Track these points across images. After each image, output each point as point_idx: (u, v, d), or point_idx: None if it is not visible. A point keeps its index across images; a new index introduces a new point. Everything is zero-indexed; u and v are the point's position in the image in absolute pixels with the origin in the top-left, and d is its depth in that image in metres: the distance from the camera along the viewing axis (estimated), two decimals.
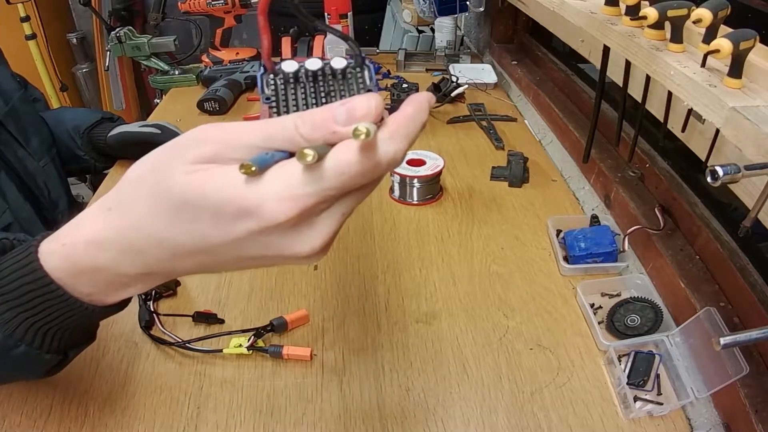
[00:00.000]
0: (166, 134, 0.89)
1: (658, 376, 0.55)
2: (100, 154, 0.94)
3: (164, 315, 0.63)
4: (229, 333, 0.60)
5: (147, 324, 0.61)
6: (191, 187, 0.27)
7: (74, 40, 2.59)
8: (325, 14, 1.41)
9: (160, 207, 0.28)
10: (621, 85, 0.68)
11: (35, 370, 0.40)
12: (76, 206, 0.91)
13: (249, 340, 0.58)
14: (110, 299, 0.36)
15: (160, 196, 0.28)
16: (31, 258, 0.33)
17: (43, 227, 0.78)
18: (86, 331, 0.41)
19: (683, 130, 0.61)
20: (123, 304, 0.38)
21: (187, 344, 0.58)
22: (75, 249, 0.32)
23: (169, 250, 0.30)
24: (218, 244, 0.28)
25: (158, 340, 0.59)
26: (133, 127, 0.90)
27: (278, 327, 0.60)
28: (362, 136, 0.24)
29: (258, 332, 0.59)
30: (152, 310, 0.62)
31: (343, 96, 0.31)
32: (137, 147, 0.92)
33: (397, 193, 0.85)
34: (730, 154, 0.54)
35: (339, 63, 0.31)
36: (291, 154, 0.27)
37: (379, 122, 0.27)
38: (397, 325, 0.62)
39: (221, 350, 0.58)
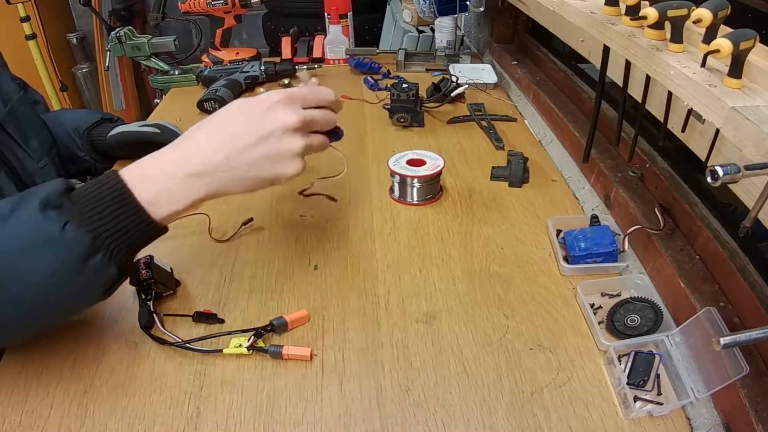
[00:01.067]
0: (166, 133, 0.89)
1: (658, 376, 0.55)
2: (100, 155, 0.94)
3: (164, 315, 0.63)
4: (229, 333, 0.60)
5: (147, 324, 0.61)
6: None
7: (74, 40, 2.59)
8: (326, 14, 1.41)
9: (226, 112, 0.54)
10: (621, 85, 0.68)
11: (96, 288, 0.48)
12: None
13: (249, 340, 0.58)
14: (163, 210, 0.49)
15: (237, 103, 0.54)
16: (112, 174, 0.48)
17: None
18: (133, 257, 0.52)
19: (683, 130, 0.61)
20: (166, 229, 0.52)
21: (187, 344, 0.58)
22: (146, 160, 0.50)
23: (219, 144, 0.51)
24: (252, 137, 0.51)
25: (158, 340, 0.59)
26: (133, 127, 0.90)
27: (278, 327, 0.60)
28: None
29: (258, 332, 0.59)
30: (152, 310, 0.62)
31: None
32: (137, 146, 0.92)
33: (397, 193, 0.85)
34: (730, 154, 0.54)
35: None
36: None
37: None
38: (397, 325, 0.62)
39: (221, 350, 0.58)
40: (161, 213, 0.49)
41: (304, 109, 0.55)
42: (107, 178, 0.48)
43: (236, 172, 0.51)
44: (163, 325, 0.61)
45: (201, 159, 0.50)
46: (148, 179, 0.49)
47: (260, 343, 0.58)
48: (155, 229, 0.50)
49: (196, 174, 0.50)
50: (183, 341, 0.58)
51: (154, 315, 0.62)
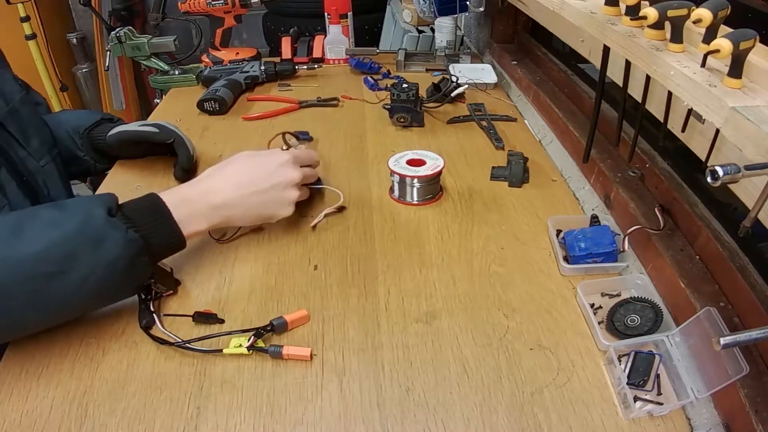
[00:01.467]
0: (164, 133, 0.89)
1: (658, 376, 0.55)
2: (100, 155, 0.94)
3: (164, 315, 0.63)
4: (229, 333, 0.60)
5: (147, 324, 0.61)
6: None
7: (74, 40, 2.59)
8: (326, 14, 1.41)
9: (244, 160, 0.70)
10: (621, 85, 0.68)
11: (136, 282, 0.61)
12: None
13: (249, 340, 0.58)
14: (190, 229, 0.62)
15: (248, 155, 0.71)
16: (154, 195, 0.62)
17: None
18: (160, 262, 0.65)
19: (683, 130, 0.61)
20: (185, 244, 0.63)
21: (187, 344, 0.58)
22: (182, 188, 0.65)
23: (237, 185, 0.67)
24: (265, 185, 0.69)
25: (158, 340, 0.59)
26: (132, 127, 0.90)
27: (278, 327, 0.60)
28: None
29: (258, 332, 0.59)
30: (152, 310, 0.62)
31: None
32: (136, 146, 0.92)
33: (397, 193, 0.85)
34: (730, 154, 0.54)
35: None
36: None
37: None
38: (397, 325, 0.62)
39: (221, 350, 0.58)
40: (188, 231, 0.62)
41: (301, 167, 0.74)
42: (152, 198, 0.61)
43: (246, 209, 0.68)
44: (163, 325, 0.61)
45: (223, 195, 0.65)
46: (183, 203, 0.62)
47: (260, 343, 0.58)
48: (181, 243, 0.63)
49: (218, 206, 0.65)
50: (183, 341, 0.58)
51: (154, 315, 0.62)
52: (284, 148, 0.76)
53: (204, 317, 0.62)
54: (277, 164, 0.70)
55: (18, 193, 0.75)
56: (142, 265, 0.58)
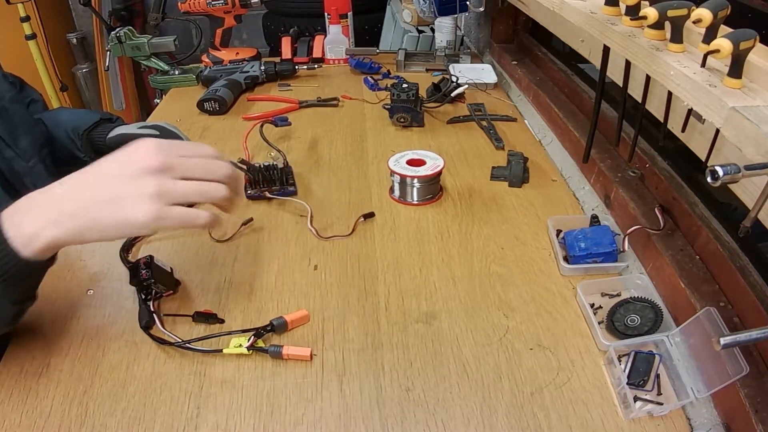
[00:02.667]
0: (165, 135, 0.88)
1: (658, 376, 0.55)
2: (100, 155, 0.93)
3: (164, 315, 0.63)
4: (229, 333, 0.60)
5: (147, 324, 0.61)
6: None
7: (74, 40, 2.59)
8: (326, 14, 1.41)
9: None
10: (621, 85, 0.68)
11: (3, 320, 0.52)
12: None
13: (249, 340, 0.58)
14: (29, 247, 0.47)
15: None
16: None
17: None
18: (28, 288, 0.53)
19: (683, 130, 0.61)
20: (49, 261, 0.51)
21: (187, 344, 0.58)
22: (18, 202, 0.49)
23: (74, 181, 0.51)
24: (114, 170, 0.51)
25: (158, 340, 0.59)
26: (132, 129, 0.90)
27: (278, 327, 0.60)
28: None
29: (258, 332, 0.59)
30: (152, 309, 0.62)
31: None
32: None
33: (397, 193, 0.85)
34: (730, 154, 0.54)
35: None
36: None
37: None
38: (397, 325, 0.62)
39: (221, 350, 0.58)
40: (33, 249, 0.48)
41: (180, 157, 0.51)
42: None
43: (84, 216, 0.48)
44: (163, 325, 0.61)
45: (48, 204, 0.49)
46: (20, 223, 0.48)
47: (260, 343, 0.58)
48: (31, 265, 0.49)
49: (50, 222, 0.48)
50: (183, 341, 0.58)
51: (154, 315, 0.62)
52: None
53: (204, 317, 0.62)
54: (132, 149, 0.52)
55: (3, 195, 0.74)
56: None
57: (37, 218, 0.48)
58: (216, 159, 0.55)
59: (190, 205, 0.52)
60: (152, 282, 0.63)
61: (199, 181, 0.51)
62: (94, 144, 0.92)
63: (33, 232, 0.47)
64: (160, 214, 0.48)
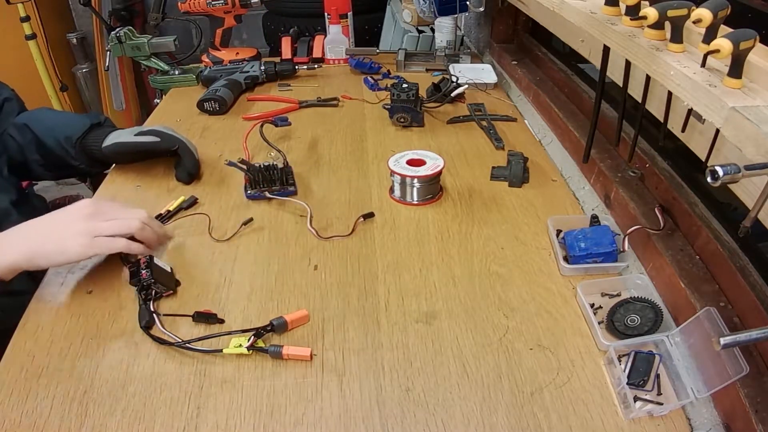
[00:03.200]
0: (166, 141, 0.87)
1: (658, 376, 0.55)
2: (95, 161, 0.91)
3: (164, 315, 0.63)
4: (229, 333, 0.60)
5: (147, 324, 0.61)
6: None
7: (74, 40, 2.59)
8: (326, 14, 1.41)
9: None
10: (621, 85, 0.68)
11: None
12: (32, 215, 0.76)
13: (249, 340, 0.58)
14: None
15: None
16: None
17: None
18: None
19: (683, 130, 0.61)
20: (4, 284, 0.63)
21: (187, 344, 0.58)
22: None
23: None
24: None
25: (158, 340, 0.59)
26: (128, 137, 0.88)
27: (278, 327, 0.60)
28: None
29: (258, 332, 0.59)
30: (152, 310, 0.62)
31: None
32: (134, 154, 0.90)
33: (397, 193, 0.85)
34: (730, 154, 0.54)
35: None
36: None
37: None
38: (397, 325, 0.62)
39: (221, 350, 0.58)
40: None
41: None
42: None
43: (34, 246, 0.64)
44: (163, 325, 0.61)
45: (8, 238, 0.65)
46: None
47: (260, 343, 0.58)
48: None
49: (9, 250, 0.63)
50: (183, 341, 0.58)
51: (154, 315, 0.62)
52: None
53: (204, 317, 0.62)
54: (69, 207, 0.68)
55: None
56: None
57: (2, 247, 0.63)
58: (134, 209, 0.73)
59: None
60: (152, 282, 0.63)
61: (118, 219, 0.69)
62: (89, 151, 0.89)
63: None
64: (89, 245, 0.65)
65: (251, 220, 0.79)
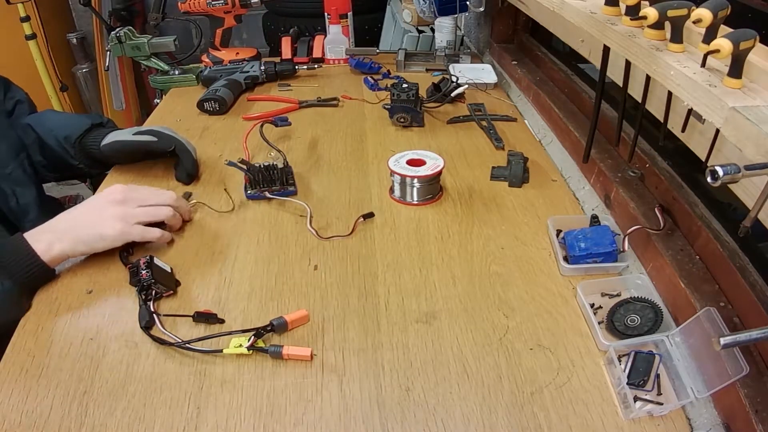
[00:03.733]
0: (163, 141, 0.87)
1: (658, 376, 0.55)
2: (94, 161, 0.91)
3: (164, 315, 0.63)
4: (230, 333, 0.60)
5: (147, 324, 0.61)
6: None
7: (74, 40, 2.59)
8: (326, 14, 1.41)
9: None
10: (621, 85, 0.68)
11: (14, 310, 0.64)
12: (56, 210, 0.85)
13: (249, 340, 0.58)
14: (46, 257, 0.65)
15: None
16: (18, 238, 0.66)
17: (8, 235, 0.75)
18: (35, 291, 0.67)
19: (683, 130, 0.61)
20: (53, 271, 0.68)
21: (186, 344, 0.58)
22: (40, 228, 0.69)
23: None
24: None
25: (158, 341, 0.59)
26: (127, 136, 0.88)
27: (278, 327, 0.60)
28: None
29: (258, 332, 0.59)
30: (152, 310, 0.62)
31: None
32: (133, 153, 0.90)
33: (397, 193, 0.85)
34: (730, 154, 0.54)
35: None
36: None
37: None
38: (397, 325, 0.62)
39: (221, 350, 0.58)
40: (48, 258, 0.66)
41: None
42: (16, 241, 0.66)
43: (74, 234, 0.68)
44: (163, 326, 0.61)
45: (52, 229, 0.68)
46: (37, 241, 0.66)
47: (260, 343, 0.58)
48: (47, 271, 0.67)
49: (56, 239, 0.67)
50: (183, 341, 0.58)
51: (154, 315, 0.62)
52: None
53: (204, 317, 0.62)
54: (106, 192, 0.72)
55: None
56: (12, 299, 0.63)
57: (47, 238, 0.66)
58: (163, 191, 0.76)
59: (158, 224, 0.74)
60: (152, 282, 0.63)
61: (149, 206, 0.73)
62: (88, 151, 0.90)
63: (46, 248, 0.66)
64: (123, 230, 0.69)
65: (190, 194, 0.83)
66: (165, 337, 0.59)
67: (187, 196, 0.86)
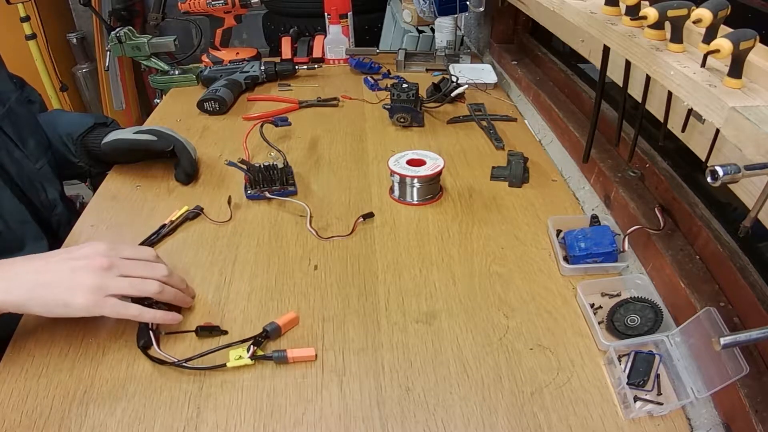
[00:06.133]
0: (162, 140, 0.87)
1: (658, 376, 0.55)
2: (95, 160, 0.92)
3: (166, 333, 0.61)
4: (227, 346, 0.58)
5: (145, 345, 0.59)
6: None
7: (74, 40, 2.59)
8: (326, 14, 1.41)
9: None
10: (621, 85, 0.68)
11: None
12: (71, 208, 0.88)
13: (248, 350, 0.57)
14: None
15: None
16: None
17: (39, 229, 0.76)
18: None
19: (683, 130, 0.61)
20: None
21: (184, 364, 0.56)
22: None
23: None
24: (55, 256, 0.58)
25: (157, 361, 0.57)
26: (128, 134, 0.88)
27: (272, 332, 0.59)
28: None
29: (256, 341, 0.58)
30: (152, 328, 0.60)
31: None
32: (133, 152, 0.90)
33: (397, 193, 0.85)
34: (730, 154, 0.54)
35: None
36: None
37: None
38: (397, 325, 0.62)
39: (224, 364, 0.56)
40: None
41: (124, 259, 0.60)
42: None
43: (28, 291, 0.55)
44: (159, 346, 0.58)
45: (7, 274, 0.56)
46: None
47: (260, 351, 0.58)
48: None
49: (4, 289, 0.55)
50: (179, 361, 0.56)
51: (151, 333, 0.59)
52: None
53: (207, 330, 0.60)
54: (85, 245, 0.60)
55: (12, 199, 0.73)
56: None
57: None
58: (155, 262, 0.63)
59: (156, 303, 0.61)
60: (153, 302, 0.61)
61: (135, 278, 0.59)
62: (89, 149, 0.90)
63: None
64: (96, 303, 0.56)
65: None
66: (163, 358, 0.57)
67: (199, 210, 0.81)
